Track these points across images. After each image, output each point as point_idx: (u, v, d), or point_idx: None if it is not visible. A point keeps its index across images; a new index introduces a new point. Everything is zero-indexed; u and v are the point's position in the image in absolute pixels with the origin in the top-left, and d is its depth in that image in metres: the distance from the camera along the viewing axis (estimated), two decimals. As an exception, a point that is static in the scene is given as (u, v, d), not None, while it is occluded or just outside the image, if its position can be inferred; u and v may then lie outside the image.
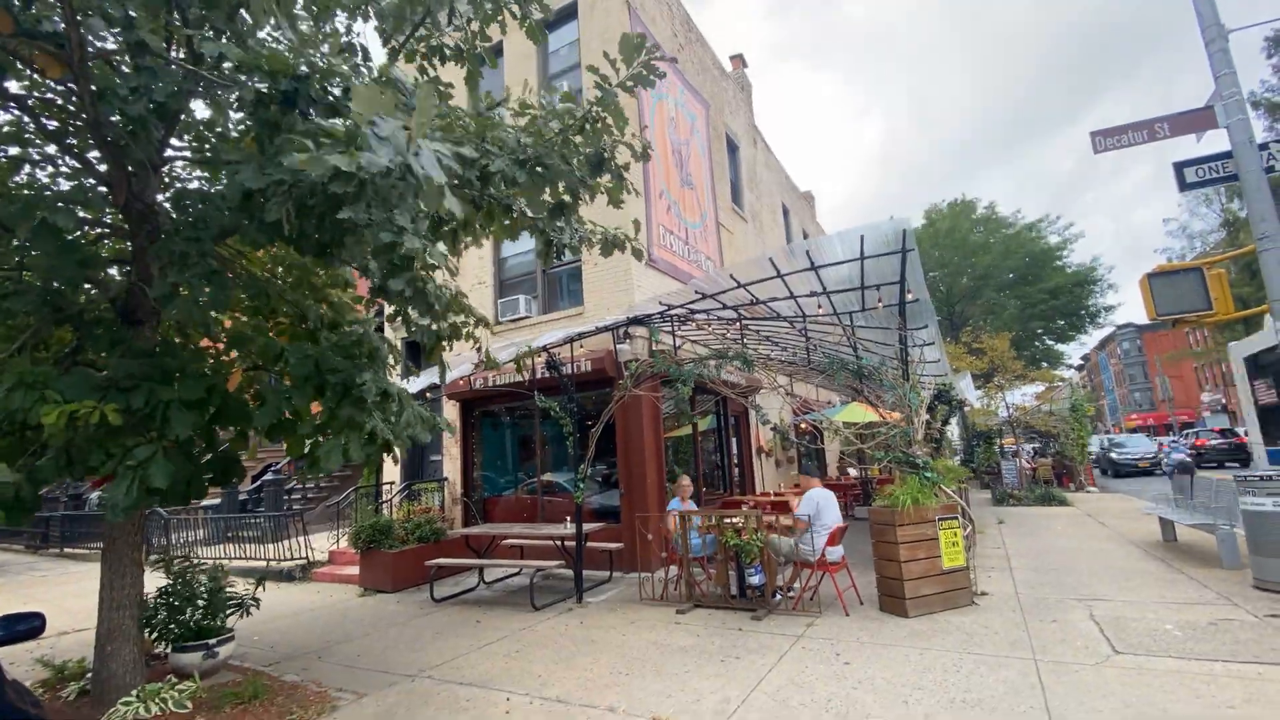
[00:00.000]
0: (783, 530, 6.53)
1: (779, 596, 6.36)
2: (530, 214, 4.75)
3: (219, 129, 4.76)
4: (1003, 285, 33.73)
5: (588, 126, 4.23)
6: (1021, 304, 32.61)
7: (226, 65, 3.68)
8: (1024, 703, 3.75)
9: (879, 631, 5.31)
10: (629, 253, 5.27)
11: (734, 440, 12.98)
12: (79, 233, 4.97)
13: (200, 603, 5.40)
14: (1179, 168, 6.27)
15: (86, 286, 4.96)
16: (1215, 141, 6.25)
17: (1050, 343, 36.08)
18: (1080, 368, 73.14)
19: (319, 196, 3.39)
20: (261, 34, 4.24)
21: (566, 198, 4.81)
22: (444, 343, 5.55)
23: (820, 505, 6.29)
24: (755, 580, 6.20)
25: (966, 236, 34.50)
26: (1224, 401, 47.63)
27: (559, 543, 7.66)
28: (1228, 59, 5.90)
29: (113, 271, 5.30)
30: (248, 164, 3.44)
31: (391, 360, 5.50)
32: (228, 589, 5.66)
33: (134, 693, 4.39)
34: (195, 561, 5.87)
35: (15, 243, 4.39)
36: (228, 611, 5.50)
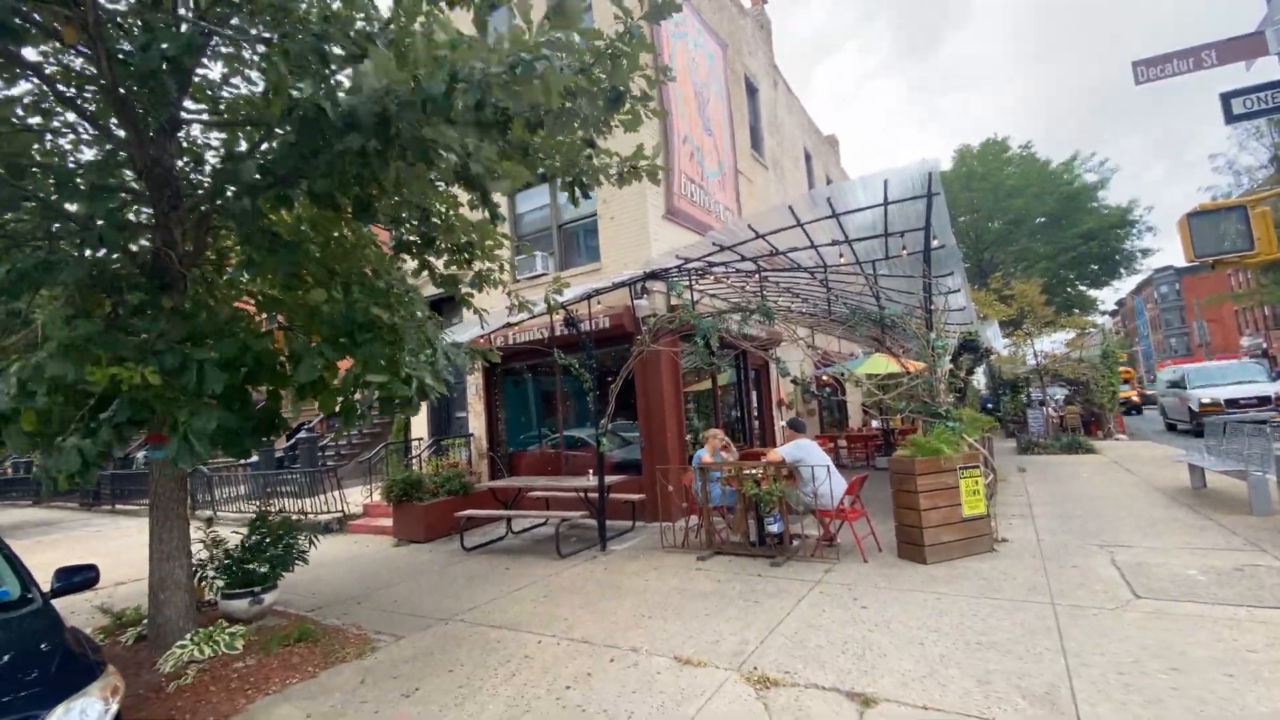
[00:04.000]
0: (786, 479, 6.59)
1: (797, 543, 6.48)
2: (546, 160, 4.71)
3: (233, 86, 4.75)
4: (1035, 230, 32.53)
5: (609, 65, 4.11)
6: (1054, 249, 31.47)
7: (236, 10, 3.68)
8: (1040, 644, 3.81)
9: (896, 577, 5.39)
10: (646, 197, 5.22)
11: (754, 393, 12.99)
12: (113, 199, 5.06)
13: (271, 554, 5.66)
14: (1225, 99, 5.90)
15: (116, 255, 5.06)
16: (1266, 69, 5.85)
17: (1083, 288, 34.96)
18: (1114, 313, 71.03)
19: (407, 114, 3.45)
20: None
21: (592, 137, 4.75)
22: (473, 292, 5.63)
23: (805, 448, 6.46)
24: (774, 528, 6.31)
25: (1000, 179, 33.11)
26: (1264, 345, 46.10)
27: (583, 494, 7.85)
28: (1286, -23, 5.47)
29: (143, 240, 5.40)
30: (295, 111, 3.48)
31: (421, 315, 5.58)
32: (296, 540, 5.94)
33: (188, 636, 4.69)
34: (281, 518, 6.14)
35: (50, 209, 4.48)
36: (287, 569, 5.76)
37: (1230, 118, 5.90)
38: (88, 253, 4.51)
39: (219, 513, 12.11)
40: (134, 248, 5.01)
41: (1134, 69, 6.29)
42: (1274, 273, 27.37)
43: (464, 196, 5.04)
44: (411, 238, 5.21)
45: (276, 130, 4.38)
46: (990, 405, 21.63)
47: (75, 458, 3.76)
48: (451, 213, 5.32)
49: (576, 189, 5.03)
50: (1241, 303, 38.11)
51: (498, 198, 7.25)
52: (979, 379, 23.17)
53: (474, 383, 11.30)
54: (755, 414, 13.02)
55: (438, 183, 4.37)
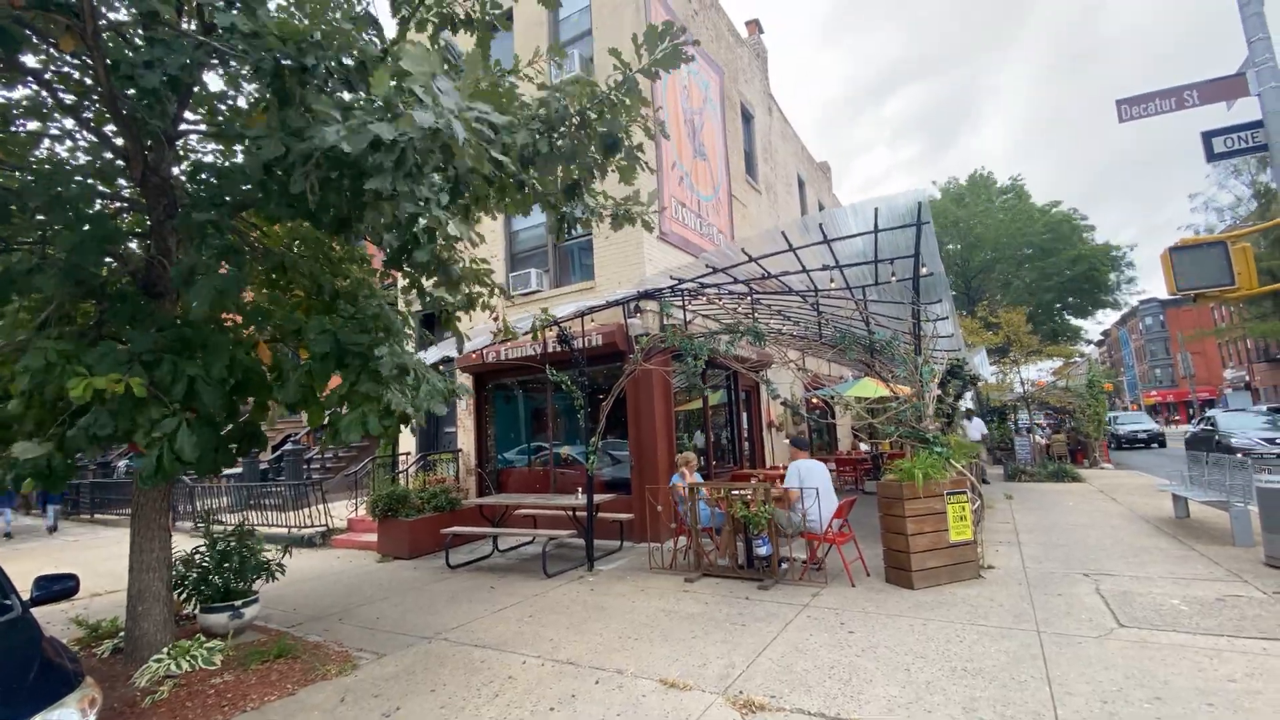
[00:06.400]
0: (776, 502, 6.57)
1: (785, 566, 6.46)
2: (542, 190, 4.74)
3: (230, 101, 4.77)
4: (1022, 259, 33.05)
5: (605, 111, 4.20)
6: (1040, 275, 31.93)
7: (239, 37, 3.69)
8: (1025, 672, 3.82)
9: (884, 602, 5.39)
10: (639, 226, 5.25)
11: (744, 414, 13.03)
12: (99, 206, 5.05)
13: (235, 564, 5.55)
14: (1207, 137, 6.09)
15: (108, 260, 5.05)
16: (1246, 110, 6.06)
17: (1069, 318, 35.47)
18: (1100, 343, 71.98)
19: (346, 169, 3.41)
20: (271, 4, 4.21)
21: (579, 176, 4.81)
22: (460, 314, 5.63)
23: (803, 473, 6.40)
24: (762, 551, 6.29)
25: (986, 209, 33.70)
26: (1247, 379, 46.81)
27: (571, 513, 7.81)
28: (1262, 23, 5.69)
29: (133, 245, 5.39)
30: (269, 138, 3.48)
31: (408, 331, 5.57)
32: (261, 554, 5.83)
33: (165, 650, 4.60)
34: (234, 527, 6.02)
35: (37, 217, 4.47)
36: (255, 577, 5.67)
37: (1211, 156, 6.08)
38: (73, 259, 4.49)
39: (196, 524, 11.91)
40: (124, 251, 5.00)
41: (1118, 107, 6.47)
42: (1257, 306, 27.93)
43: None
44: (400, 255, 5.24)
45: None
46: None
47: (41, 464, 3.70)
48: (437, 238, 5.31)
49: (565, 225, 5.06)
50: (1224, 336, 38.78)
51: (487, 220, 7.29)
52: (966, 405, 23.31)
53: (464, 399, 11.26)
54: (745, 435, 13.04)
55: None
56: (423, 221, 3.60)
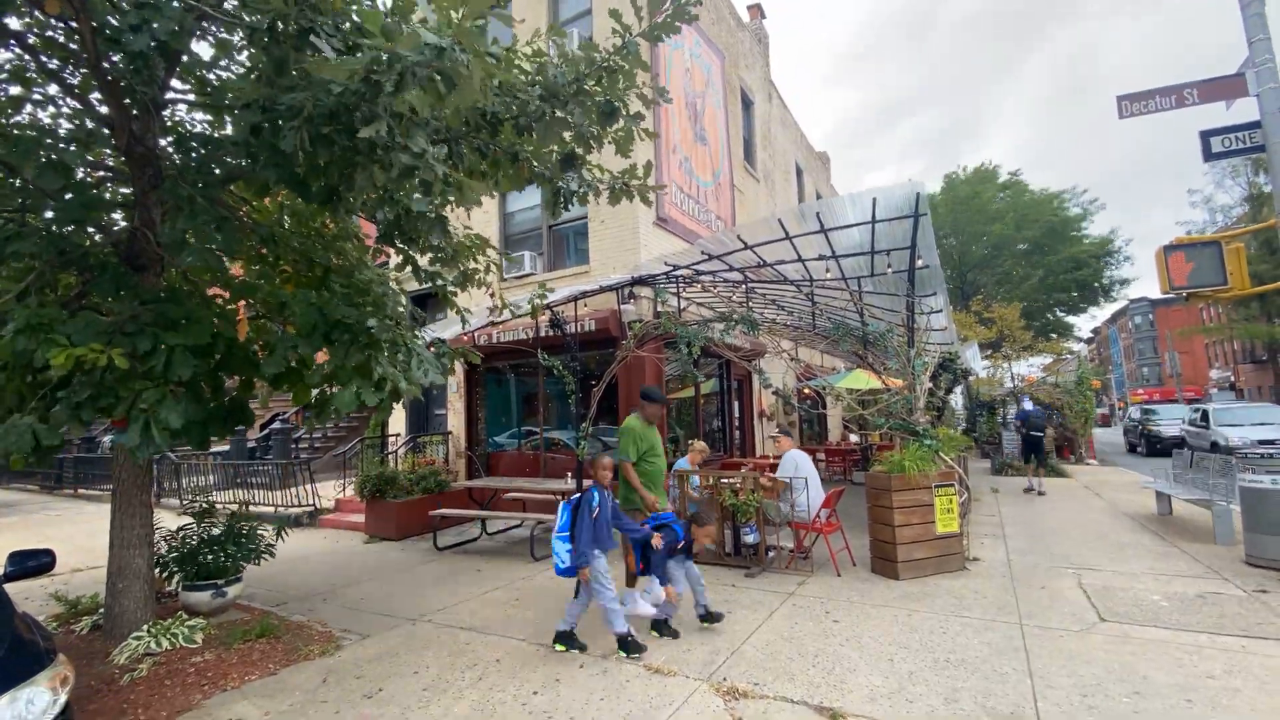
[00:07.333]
0: (764, 491, 6.57)
1: (772, 554, 6.47)
2: (536, 164, 4.65)
3: (221, 67, 4.63)
4: (1018, 256, 33.01)
5: (604, 78, 4.09)
6: (1043, 273, 31.93)
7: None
8: (1007, 665, 3.84)
9: (869, 592, 5.41)
10: (636, 203, 5.16)
11: (735, 403, 13.03)
12: (83, 174, 4.92)
13: (231, 548, 5.49)
14: (1205, 136, 6.06)
15: (90, 230, 4.93)
16: (1244, 110, 6.04)
17: (1061, 314, 35.57)
18: (1090, 341, 72.53)
19: (338, 120, 3.31)
20: None
21: (577, 149, 4.70)
22: (456, 290, 5.55)
23: (798, 464, 6.40)
24: (750, 539, 6.30)
25: (986, 204, 33.54)
26: (1232, 379, 47.36)
27: (560, 497, 7.77)
28: (1263, 24, 5.64)
29: (116, 216, 5.27)
30: (255, 101, 3.39)
31: (400, 310, 5.50)
32: (258, 532, 5.79)
33: (145, 628, 4.55)
34: (232, 512, 5.96)
35: (18, 183, 4.34)
36: (249, 560, 5.62)
37: (1209, 155, 6.06)
38: (55, 227, 4.38)
39: (184, 501, 11.82)
40: (107, 221, 4.89)
41: (1118, 103, 6.42)
42: (1245, 308, 28.18)
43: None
44: (394, 231, 5.14)
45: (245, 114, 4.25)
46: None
47: (28, 438, 3.62)
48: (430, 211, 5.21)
49: (562, 200, 4.96)
50: (1212, 336, 39.13)
51: (486, 201, 7.23)
52: (956, 399, 23.45)
53: (454, 380, 11.19)
54: (737, 424, 13.05)
55: (400, 183, 4.20)
56: (420, 173, 3.52)
